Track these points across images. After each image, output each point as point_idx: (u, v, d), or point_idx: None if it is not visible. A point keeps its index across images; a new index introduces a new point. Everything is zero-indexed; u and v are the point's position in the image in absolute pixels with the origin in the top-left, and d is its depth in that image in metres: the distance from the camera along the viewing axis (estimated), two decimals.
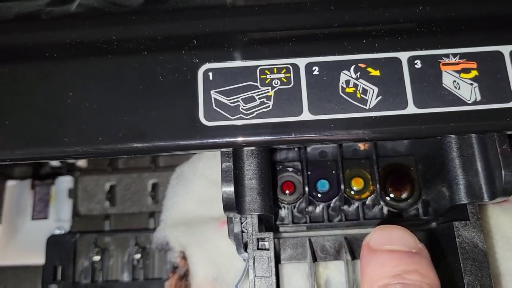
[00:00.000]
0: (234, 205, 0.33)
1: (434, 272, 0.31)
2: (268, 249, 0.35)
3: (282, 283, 0.41)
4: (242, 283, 0.38)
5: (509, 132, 0.32)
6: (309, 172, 0.42)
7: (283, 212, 0.42)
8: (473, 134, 0.34)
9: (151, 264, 0.45)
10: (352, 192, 0.42)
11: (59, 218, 0.48)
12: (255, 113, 0.32)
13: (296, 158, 0.44)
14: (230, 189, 0.33)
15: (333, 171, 0.42)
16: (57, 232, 0.46)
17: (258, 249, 0.35)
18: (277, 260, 0.41)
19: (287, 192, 0.42)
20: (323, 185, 0.42)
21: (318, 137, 0.32)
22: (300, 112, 0.32)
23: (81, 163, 0.49)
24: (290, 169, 0.42)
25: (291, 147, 0.42)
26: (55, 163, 0.48)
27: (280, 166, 0.43)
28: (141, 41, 0.34)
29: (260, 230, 0.35)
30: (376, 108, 0.32)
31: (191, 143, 0.32)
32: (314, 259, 0.40)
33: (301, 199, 0.42)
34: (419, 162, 0.42)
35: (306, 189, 0.41)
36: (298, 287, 0.41)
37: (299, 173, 0.43)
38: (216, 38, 0.34)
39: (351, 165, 0.43)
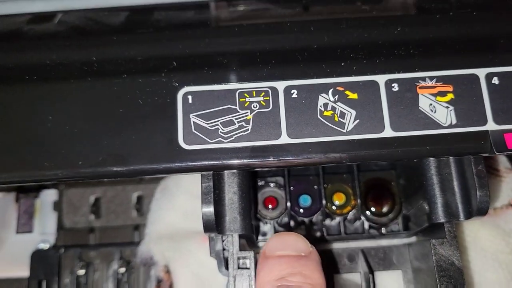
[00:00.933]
0: (214, 226, 0.34)
1: (320, 273, 0.32)
2: (248, 268, 0.35)
3: None
4: None
5: (484, 155, 0.33)
6: (291, 187, 0.43)
7: (266, 227, 0.43)
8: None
9: (135, 278, 0.46)
10: (334, 207, 0.42)
11: (44, 231, 0.48)
12: (234, 136, 0.32)
13: (279, 172, 0.44)
14: (210, 209, 0.33)
15: (315, 186, 0.43)
16: (42, 245, 0.46)
17: (238, 268, 0.35)
18: None
19: (270, 207, 0.43)
20: (305, 200, 0.43)
21: (296, 161, 0.32)
22: (278, 135, 0.32)
23: None
24: (272, 185, 0.43)
25: (273, 169, 0.42)
26: None
27: (263, 181, 0.44)
28: (121, 63, 0.34)
29: (241, 248, 0.35)
30: (353, 131, 0.32)
31: (170, 167, 0.32)
32: None
33: (283, 214, 0.42)
34: (400, 177, 0.43)
35: (288, 204, 0.42)
36: None
37: (281, 188, 0.43)
38: (195, 60, 0.34)
39: (333, 180, 0.43)
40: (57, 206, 0.49)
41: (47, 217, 0.48)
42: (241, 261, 0.35)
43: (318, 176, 0.43)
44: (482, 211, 0.34)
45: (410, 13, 0.36)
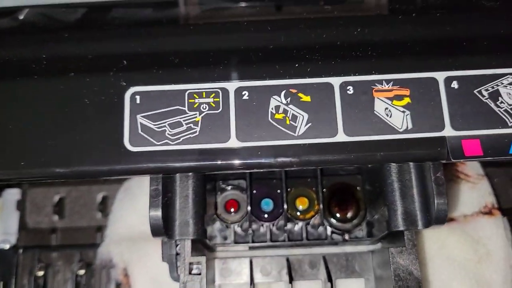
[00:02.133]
0: (162, 230, 0.32)
1: None
2: (199, 274, 0.34)
3: None
4: None
5: (442, 161, 0.32)
6: (254, 191, 0.42)
7: (227, 231, 0.42)
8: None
9: (96, 280, 0.44)
10: (297, 212, 0.41)
11: (6, 231, 0.47)
12: (181, 138, 0.31)
13: (242, 176, 0.43)
14: (157, 213, 0.32)
15: (278, 190, 0.42)
16: (2, 246, 0.45)
17: (190, 273, 0.34)
18: (213, 281, 0.40)
19: (231, 210, 0.42)
20: (268, 204, 0.42)
21: (244, 164, 0.31)
22: (227, 138, 0.31)
23: None
24: (230, 187, 0.42)
25: (222, 173, 0.41)
26: None
27: (225, 184, 0.42)
28: (70, 60, 0.33)
29: (195, 253, 0.34)
30: (305, 135, 0.31)
31: (114, 169, 0.31)
32: (253, 281, 0.40)
33: (245, 218, 0.41)
34: (366, 182, 0.42)
35: (249, 208, 0.40)
36: None
37: (243, 192, 0.42)
38: (145, 59, 0.33)
39: (297, 184, 0.42)
40: (20, 205, 0.48)
41: (10, 217, 0.47)
42: (194, 266, 0.34)
43: (281, 180, 0.42)
44: (440, 220, 0.32)
45: (369, 14, 0.35)
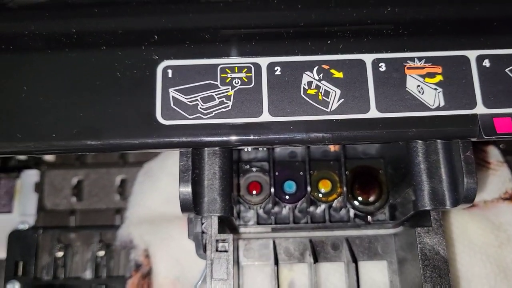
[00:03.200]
0: (191, 205, 0.32)
1: None
2: (227, 251, 0.34)
3: (246, 284, 0.41)
4: (202, 285, 0.38)
5: (473, 139, 0.32)
6: (276, 173, 0.42)
7: (249, 213, 0.42)
8: (438, 140, 0.34)
9: (115, 261, 0.44)
10: (320, 195, 0.41)
11: (24, 213, 0.47)
12: (214, 113, 0.31)
13: (265, 158, 0.43)
14: (187, 189, 0.32)
15: (301, 173, 0.42)
16: (21, 226, 0.45)
17: (217, 251, 0.34)
18: (238, 262, 0.40)
19: (254, 192, 0.42)
20: (290, 186, 0.42)
21: (277, 139, 0.31)
22: (260, 113, 0.31)
23: (49, 157, 0.48)
24: (255, 169, 0.42)
25: (251, 148, 0.41)
26: (21, 156, 0.47)
27: (248, 166, 0.42)
28: (101, 35, 0.33)
29: (220, 231, 0.34)
30: (337, 111, 0.31)
31: (146, 142, 0.31)
32: (277, 261, 0.40)
33: (267, 200, 0.41)
34: (388, 165, 0.42)
35: (272, 190, 0.40)
36: None
37: (266, 174, 0.42)
38: (177, 35, 0.33)
39: (319, 166, 0.42)
40: (39, 187, 0.48)
41: (28, 198, 0.47)
42: (220, 244, 0.34)
43: (304, 162, 0.42)
44: (469, 199, 0.32)
45: None
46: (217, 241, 0.34)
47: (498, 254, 0.41)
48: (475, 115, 0.31)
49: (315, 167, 0.42)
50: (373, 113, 0.31)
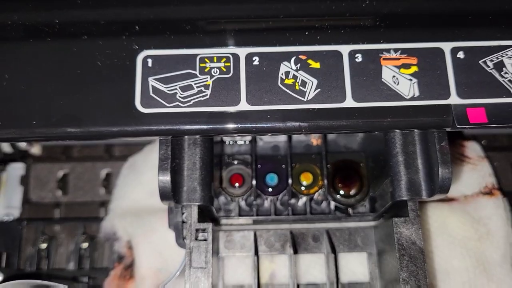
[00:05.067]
0: (170, 194, 0.33)
1: None
2: (206, 240, 0.34)
3: (227, 275, 0.41)
4: (181, 274, 0.38)
5: (448, 129, 0.32)
6: (259, 166, 0.42)
7: (231, 205, 0.42)
8: (415, 131, 0.34)
9: (99, 253, 0.45)
10: (301, 187, 0.42)
11: (9, 205, 0.47)
12: (192, 101, 0.31)
13: (247, 151, 0.44)
14: (166, 178, 0.33)
15: (283, 165, 0.42)
16: (5, 218, 0.45)
17: (196, 239, 0.35)
18: (217, 252, 0.41)
19: (236, 185, 0.42)
20: (272, 179, 0.42)
21: (254, 128, 0.31)
22: (237, 102, 0.31)
23: (35, 150, 0.49)
24: (236, 162, 0.42)
25: (229, 136, 0.42)
26: (7, 149, 0.47)
27: (230, 159, 0.43)
28: (83, 25, 0.33)
29: (200, 221, 0.35)
30: (314, 100, 0.32)
31: (125, 130, 0.31)
32: (258, 252, 0.40)
33: (249, 192, 0.41)
34: (369, 158, 0.42)
35: (254, 182, 0.41)
36: (243, 280, 0.41)
37: (249, 166, 0.42)
38: (157, 25, 0.33)
39: (302, 160, 0.43)
40: (24, 180, 0.48)
41: (13, 191, 0.48)
42: (199, 233, 0.35)
43: (286, 155, 0.42)
44: (444, 188, 0.33)
45: None
46: (196, 230, 0.35)
47: (477, 247, 0.41)
48: (448, 105, 0.32)
49: (297, 161, 0.43)
50: (349, 102, 0.32)
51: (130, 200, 0.45)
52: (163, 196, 0.33)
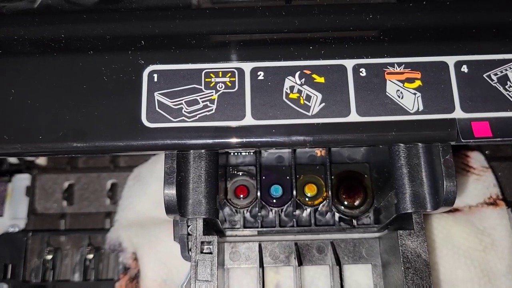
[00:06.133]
0: (176, 207, 0.33)
1: None
2: (211, 253, 0.35)
3: (232, 286, 0.41)
4: (186, 286, 0.38)
5: (452, 143, 0.32)
6: (263, 177, 0.42)
7: (236, 217, 0.42)
8: (420, 144, 0.34)
9: (104, 264, 0.45)
10: (306, 199, 0.42)
11: (15, 216, 0.47)
12: (198, 116, 0.32)
13: (252, 162, 0.44)
14: (172, 191, 0.33)
15: (287, 177, 0.42)
16: (11, 230, 0.45)
17: (201, 252, 0.35)
18: (223, 264, 0.41)
19: (241, 196, 0.42)
20: (277, 190, 0.42)
21: (259, 142, 0.31)
22: (242, 116, 0.32)
23: (40, 161, 0.49)
24: (240, 173, 0.42)
25: (234, 150, 0.42)
26: (13, 160, 0.48)
27: (235, 170, 0.43)
28: (88, 39, 0.34)
29: (206, 234, 0.35)
30: (319, 114, 0.32)
31: (131, 144, 0.31)
32: (263, 264, 0.40)
33: (254, 204, 0.42)
34: (373, 170, 0.42)
35: (259, 193, 0.41)
36: None
37: (253, 178, 0.43)
38: (163, 40, 0.33)
39: (306, 171, 0.43)
40: (30, 191, 0.48)
41: (19, 202, 0.48)
42: (205, 246, 0.35)
43: (290, 167, 0.42)
44: (449, 202, 0.33)
45: (382, 0, 0.35)
46: (202, 243, 0.35)
47: (482, 258, 0.41)
48: (453, 120, 0.32)
49: (301, 172, 0.43)
50: (354, 117, 0.32)
51: (136, 211, 0.45)
52: (169, 209, 0.33)
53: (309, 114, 0.32)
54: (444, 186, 0.32)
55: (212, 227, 0.37)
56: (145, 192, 0.45)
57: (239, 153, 0.44)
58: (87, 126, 0.32)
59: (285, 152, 0.44)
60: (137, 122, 0.32)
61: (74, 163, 0.49)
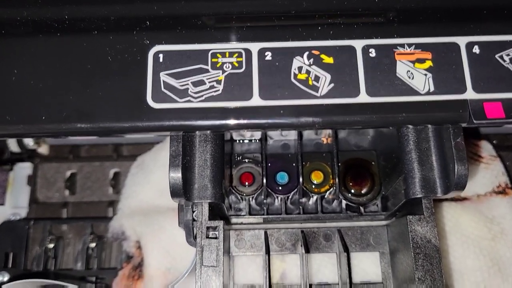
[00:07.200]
0: (181, 191, 0.32)
1: None
2: (217, 238, 0.34)
3: (237, 275, 0.40)
4: (191, 273, 0.38)
5: (463, 125, 0.32)
6: (269, 164, 0.42)
7: (241, 204, 0.42)
8: (430, 127, 0.34)
9: (107, 253, 0.44)
10: (312, 186, 0.41)
11: (16, 205, 0.46)
12: (204, 96, 0.31)
13: (258, 150, 0.43)
14: (177, 174, 0.32)
15: (294, 164, 0.42)
16: (12, 218, 0.45)
17: (207, 237, 0.34)
18: (228, 252, 0.40)
19: (246, 183, 0.41)
20: (283, 177, 0.41)
21: (267, 123, 0.31)
22: (250, 97, 0.31)
23: (42, 150, 0.48)
24: (246, 160, 0.42)
25: (241, 132, 0.41)
26: (14, 148, 0.47)
27: (240, 157, 0.42)
28: (93, 20, 0.33)
29: (211, 219, 0.34)
30: (327, 95, 0.31)
31: (136, 125, 0.31)
32: (269, 251, 0.39)
33: (259, 191, 0.41)
34: (381, 157, 0.42)
35: (264, 180, 0.40)
36: (253, 279, 0.40)
37: (259, 165, 0.42)
38: (169, 20, 0.33)
39: (312, 158, 0.42)
40: (31, 180, 0.47)
41: (20, 191, 0.47)
42: (210, 231, 0.34)
43: (296, 153, 0.42)
44: (460, 185, 0.32)
45: None
46: (207, 228, 0.34)
47: (491, 247, 0.41)
48: (465, 101, 0.31)
49: (307, 159, 0.42)
50: (363, 97, 0.31)
51: (139, 200, 0.44)
52: (174, 193, 0.32)
53: (318, 95, 0.31)
54: (456, 170, 0.32)
55: (218, 212, 0.37)
56: (149, 180, 0.45)
57: (244, 141, 0.44)
58: (91, 107, 0.31)
59: (291, 139, 0.44)
60: (142, 103, 0.31)
61: (76, 152, 0.49)
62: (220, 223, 0.34)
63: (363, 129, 0.40)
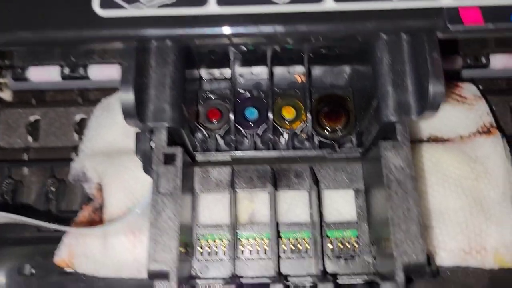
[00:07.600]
0: (133, 110, 0.30)
1: None
2: (175, 163, 0.31)
3: (202, 215, 0.38)
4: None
5: (439, 35, 0.29)
6: (238, 101, 0.39)
7: (208, 142, 0.39)
8: (404, 45, 0.31)
9: (68, 197, 0.42)
10: (284, 122, 0.39)
11: None
12: (155, 1, 0.29)
13: (227, 87, 0.41)
14: (129, 90, 0.30)
15: (265, 101, 0.39)
16: None
17: (164, 163, 0.32)
18: (192, 190, 0.38)
19: (213, 120, 0.39)
20: (252, 113, 0.39)
21: (223, 32, 0.28)
22: (205, 2, 0.29)
23: (5, 95, 0.46)
24: (213, 97, 0.39)
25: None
26: None
27: (208, 94, 0.40)
28: None
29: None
30: (291, 1, 0.29)
31: (83, 35, 0.28)
32: (234, 188, 0.37)
33: (226, 125, 0.38)
34: (356, 93, 0.39)
35: (232, 116, 0.38)
36: (220, 220, 0.38)
37: (227, 101, 0.39)
38: None
39: (285, 95, 0.40)
40: None
41: None
42: (168, 157, 0.32)
43: (267, 90, 0.39)
44: (435, 104, 0.30)
45: None
46: (165, 155, 0.32)
47: (474, 186, 0.38)
48: (440, 8, 0.29)
49: (280, 96, 0.40)
50: (329, 4, 0.29)
51: (103, 141, 0.42)
52: (126, 112, 0.30)
53: (280, 1, 0.29)
54: (431, 86, 0.29)
55: (178, 141, 0.34)
56: (115, 122, 0.42)
57: (214, 79, 0.41)
58: (33, 15, 0.29)
59: (263, 79, 0.42)
60: (89, 10, 0.29)
61: (41, 98, 0.46)
62: (178, 149, 0.32)
63: (330, 41, 0.38)
